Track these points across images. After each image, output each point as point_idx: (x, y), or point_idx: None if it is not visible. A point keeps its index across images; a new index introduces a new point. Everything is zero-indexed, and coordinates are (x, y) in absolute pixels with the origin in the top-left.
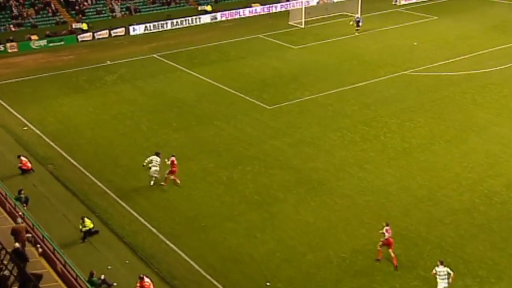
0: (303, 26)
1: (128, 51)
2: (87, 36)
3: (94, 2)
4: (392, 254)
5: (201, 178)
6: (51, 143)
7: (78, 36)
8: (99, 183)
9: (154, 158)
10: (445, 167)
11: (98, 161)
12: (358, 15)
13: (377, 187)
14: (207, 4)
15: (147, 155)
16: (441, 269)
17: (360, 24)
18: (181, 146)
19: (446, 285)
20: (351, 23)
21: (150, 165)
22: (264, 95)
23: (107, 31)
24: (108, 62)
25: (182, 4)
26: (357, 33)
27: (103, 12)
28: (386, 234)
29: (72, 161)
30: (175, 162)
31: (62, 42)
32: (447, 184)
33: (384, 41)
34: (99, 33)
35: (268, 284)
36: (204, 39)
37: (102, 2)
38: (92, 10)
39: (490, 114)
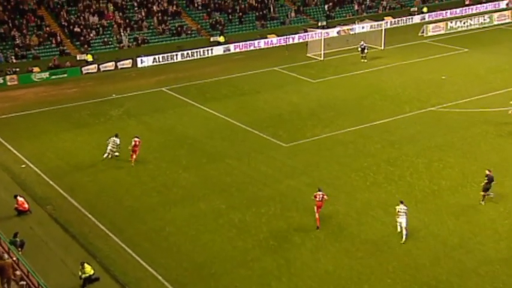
0: (322, 59)
1: (135, 84)
2: (92, 68)
3: (100, 32)
4: (317, 216)
5: (211, 220)
6: (51, 182)
7: (83, 68)
8: (101, 226)
9: (112, 139)
10: (479, 212)
11: (101, 202)
12: (363, 42)
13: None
14: (220, 35)
15: (153, 195)
16: (402, 207)
17: (366, 51)
18: (191, 185)
19: (405, 220)
20: (361, 53)
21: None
22: (280, 131)
23: (113, 63)
24: (114, 96)
25: (193, 35)
26: (364, 60)
27: (109, 43)
28: (316, 198)
29: (72, 201)
30: (138, 143)
31: (65, 75)
32: (481, 231)
33: (410, 75)
34: (105, 65)
35: None
36: (216, 72)
37: (108, 32)
38: (97, 41)
39: None
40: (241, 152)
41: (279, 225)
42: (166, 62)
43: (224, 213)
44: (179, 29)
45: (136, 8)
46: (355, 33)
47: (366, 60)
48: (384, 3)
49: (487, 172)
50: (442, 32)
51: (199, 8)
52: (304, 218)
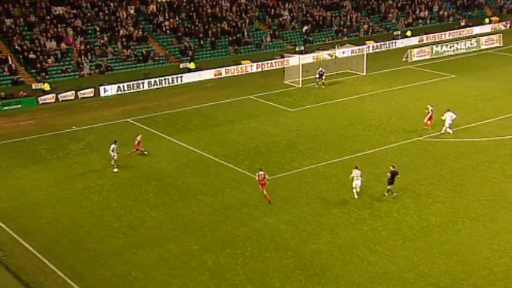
0: (300, 86)
1: (97, 115)
2: (50, 98)
3: (59, 58)
4: (265, 192)
5: (182, 263)
6: (2, 225)
7: (39, 98)
8: (59, 273)
9: (112, 147)
10: (472, 250)
11: (59, 245)
12: (321, 68)
13: (391, 273)
14: (190, 61)
15: (118, 237)
16: (357, 172)
17: (324, 77)
18: (160, 225)
19: (360, 183)
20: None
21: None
22: (256, 165)
23: (73, 92)
24: (74, 128)
25: (161, 61)
26: (320, 87)
27: (69, 70)
28: (259, 178)
29: (26, 245)
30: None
31: (19, 106)
32: (475, 271)
33: (394, 103)
34: (64, 94)
35: None
36: (186, 101)
37: (67, 59)
38: (55, 68)
39: None
40: (214, 187)
41: (256, 267)
42: (131, 90)
43: (196, 255)
44: (146, 55)
45: (98, 33)
46: (335, 59)
47: (324, 87)
48: (366, 26)
49: (391, 168)
50: (427, 57)
51: (168, 32)
52: (284, 259)
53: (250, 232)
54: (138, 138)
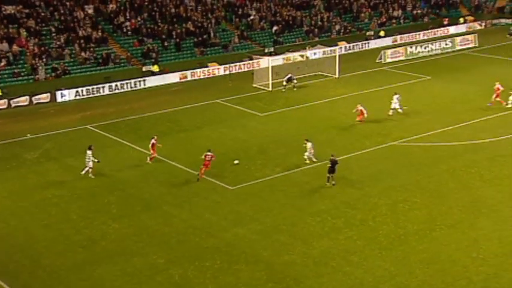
0: (270, 89)
1: (54, 121)
2: (1, 104)
3: (11, 61)
4: (202, 171)
5: (147, 277)
6: None
7: None
8: None
9: (86, 152)
10: (450, 259)
11: (13, 262)
12: (290, 74)
13: (367, 284)
14: (153, 64)
15: (77, 251)
16: (309, 144)
17: (295, 81)
18: (123, 238)
19: (311, 155)
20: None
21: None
22: (225, 172)
23: (27, 97)
24: (29, 136)
25: (122, 64)
26: (287, 90)
27: (22, 74)
28: (206, 158)
29: None
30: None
31: None
32: (454, 280)
33: (369, 106)
34: (17, 100)
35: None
36: (150, 106)
37: (21, 62)
38: (7, 72)
39: (501, 193)
40: (181, 197)
41: (226, 281)
42: (91, 95)
43: (163, 268)
44: (106, 57)
45: (54, 34)
46: (306, 60)
47: (296, 89)
48: (338, 26)
49: (331, 157)
50: (402, 58)
51: (129, 33)
52: (255, 272)
53: (220, 243)
54: (153, 140)
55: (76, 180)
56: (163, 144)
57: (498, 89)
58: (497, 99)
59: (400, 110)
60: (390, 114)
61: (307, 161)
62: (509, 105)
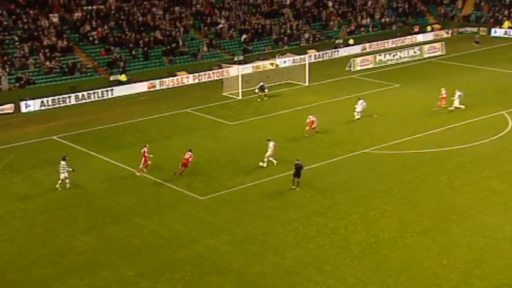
0: (240, 98)
1: (18, 133)
2: None
3: None
4: (179, 168)
5: None
6: None
7: None
8: None
9: (61, 163)
10: (421, 266)
11: None
12: (262, 82)
13: None
14: (121, 73)
15: (43, 266)
16: (271, 144)
17: (266, 90)
18: (91, 251)
19: (271, 154)
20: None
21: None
22: (195, 182)
23: None
24: None
25: (89, 73)
26: (262, 99)
27: None
28: (185, 156)
29: None
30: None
31: None
32: (425, 287)
33: (338, 114)
34: None
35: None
36: (118, 116)
37: None
38: None
39: (470, 200)
40: (151, 208)
41: None
42: (57, 105)
43: (132, 281)
44: (72, 66)
45: (17, 43)
46: (276, 69)
47: (266, 98)
48: (307, 34)
49: (296, 161)
50: (371, 66)
51: (96, 42)
52: (227, 283)
53: (190, 255)
54: (145, 148)
55: (42, 193)
56: (131, 155)
57: (443, 94)
58: (443, 103)
59: (357, 116)
60: (357, 118)
61: (264, 165)
62: (453, 108)
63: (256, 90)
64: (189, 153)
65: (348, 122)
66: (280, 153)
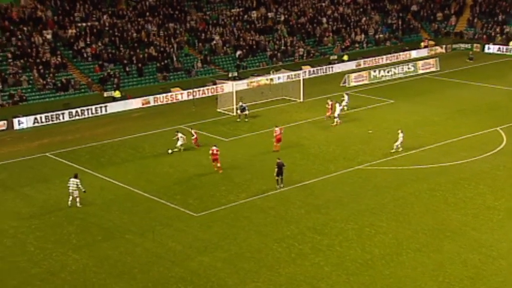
0: (234, 114)
1: (11, 150)
2: None
3: None
4: (218, 165)
5: None
6: None
7: None
8: None
9: (72, 180)
10: (417, 283)
11: None
12: (241, 103)
13: None
14: (115, 90)
15: (35, 285)
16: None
17: (246, 112)
18: (84, 269)
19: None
20: (238, 111)
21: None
22: (190, 199)
23: None
24: None
25: (83, 90)
26: (242, 120)
27: None
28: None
29: None
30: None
31: None
32: None
33: (333, 130)
34: None
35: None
36: (111, 133)
37: None
38: None
39: (465, 216)
40: (144, 226)
41: None
42: (50, 122)
43: None
44: (65, 83)
45: (10, 60)
46: (270, 85)
47: (247, 120)
48: (301, 50)
49: (277, 160)
50: (366, 81)
51: (89, 59)
52: None
53: (184, 272)
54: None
55: (34, 211)
56: (125, 171)
57: (331, 105)
58: (329, 114)
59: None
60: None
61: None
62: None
63: (238, 112)
64: (214, 147)
65: (342, 138)
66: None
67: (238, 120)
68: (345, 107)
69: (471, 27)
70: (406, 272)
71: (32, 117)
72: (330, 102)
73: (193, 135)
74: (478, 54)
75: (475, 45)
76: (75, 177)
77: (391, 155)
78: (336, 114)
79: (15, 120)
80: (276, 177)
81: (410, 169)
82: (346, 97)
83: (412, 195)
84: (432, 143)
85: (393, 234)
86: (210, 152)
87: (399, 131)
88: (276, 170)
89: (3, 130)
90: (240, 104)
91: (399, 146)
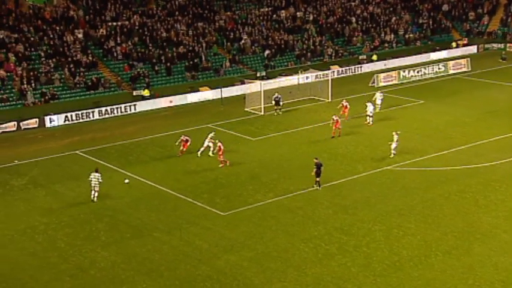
0: (262, 113)
1: (42, 147)
2: None
3: None
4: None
5: None
6: None
7: None
8: None
9: (93, 175)
10: (446, 286)
11: None
12: (277, 94)
13: None
14: (144, 88)
15: (65, 280)
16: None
17: (281, 103)
18: (112, 266)
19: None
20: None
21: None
22: (217, 198)
23: (15, 123)
24: (16, 162)
25: (112, 89)
26: (276, 113)
27: (10, 99)
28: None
29: None
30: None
31: None
32: None
33: (361, 130)
34: (5, 125)
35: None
36: (140, 131)
37: (8, 87)
38: None
39: (496, 219)
40: (171, 224)
41: None
42: (80, 120)
43: None
44: (96, 82)
45: (43, 59)
46: (298, 85)
47: (280, 113)
48: (330, 50)
49: (315, 160)
50: (395, 81)
51: (119, 58)
52: None
53: (211, 271)
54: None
55: (64, 207)
56: (153, 170)
57: (345, 106)
58: (344, 114)
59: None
60: (378, 110)
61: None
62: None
63: (273, 102)
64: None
65: (371, 139)
66: (301, 170)
67: (274, 114)
68: (378, 107)
69: (504, 27)
70: (434, 275)
71: (63, 115)
72: (345, 103)
73: (186, 141)
74: (511, 54)
75: (508, 45)
76: (96, 171)
77: (419, 156)
78: (369, 113)
79: (47, 118)
80: (317, 179)
81: (439, 170)
82: (381, 95)
83: (441, 197)
84: (463, 144)
85: (422, 236)
86: (218, 147)
87: (394, 133)
88: (315, 170)
89: (35, 128)
90: (276, 95)
91: (393, 150)
